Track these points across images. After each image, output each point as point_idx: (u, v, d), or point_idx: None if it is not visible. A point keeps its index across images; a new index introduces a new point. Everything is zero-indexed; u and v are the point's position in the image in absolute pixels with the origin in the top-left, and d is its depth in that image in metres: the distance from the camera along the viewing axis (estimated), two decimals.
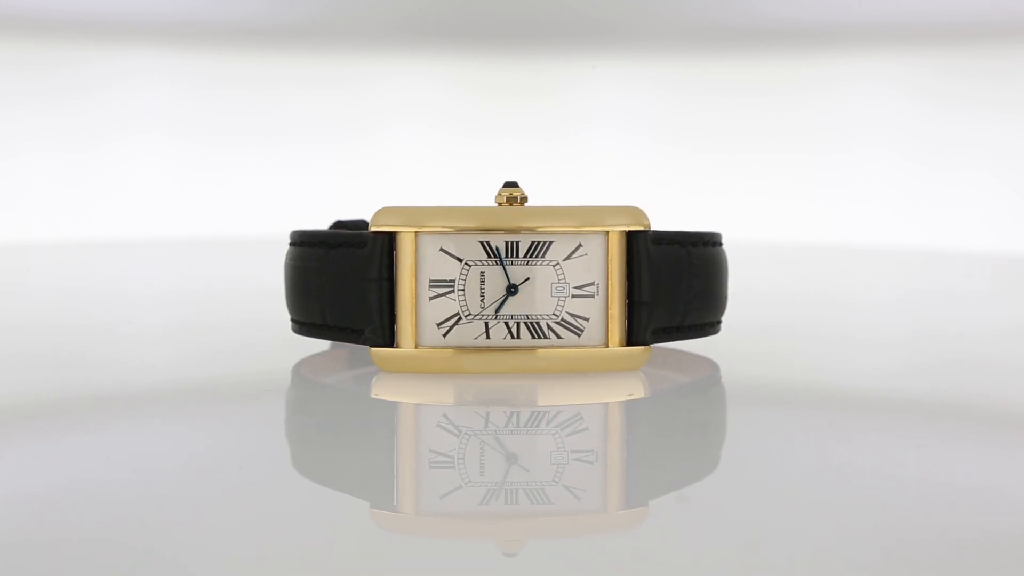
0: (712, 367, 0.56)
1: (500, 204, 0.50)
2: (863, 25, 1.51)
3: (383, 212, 0.49)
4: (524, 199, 0.50)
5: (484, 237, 0.49)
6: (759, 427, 0.48)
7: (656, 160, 1.54)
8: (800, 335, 0.71)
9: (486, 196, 0.54)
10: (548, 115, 1.55)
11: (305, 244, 0.52)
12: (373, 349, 0.50)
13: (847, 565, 0.32)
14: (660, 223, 0.53)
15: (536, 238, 0.49)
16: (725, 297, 0.54)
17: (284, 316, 0.56)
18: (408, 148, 1.54)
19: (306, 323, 0.53)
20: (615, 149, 1.55)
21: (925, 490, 0.39)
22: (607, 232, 0.49)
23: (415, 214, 0.49)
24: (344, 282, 0.50)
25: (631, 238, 0.49)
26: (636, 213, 0.49)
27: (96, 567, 0.31)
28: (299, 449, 0.44)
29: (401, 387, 0.50)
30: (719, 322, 0.54)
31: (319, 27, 1.55)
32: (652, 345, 0.51)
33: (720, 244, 0.53)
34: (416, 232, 0.49)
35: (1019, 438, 0.49)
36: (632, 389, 0.51)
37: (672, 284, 0.50)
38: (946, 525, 0.35)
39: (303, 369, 0.54)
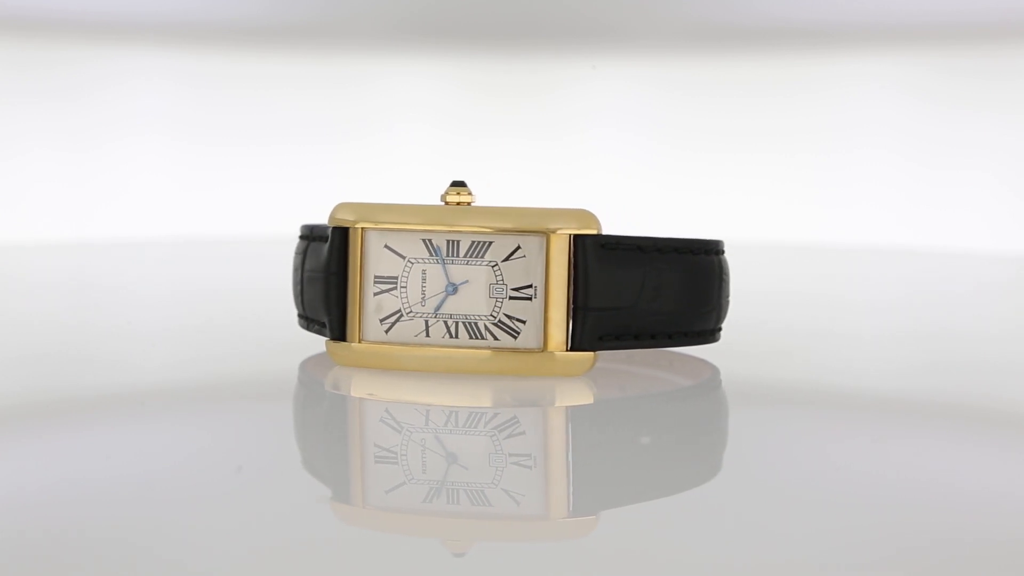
0: (712, 370, 0.55)
1: (446, 203, 0.50)
2: (863, 25, 1.51)
3: (339, 207, 0.50)
4: (471, 199, 0.50)
5: (426, 235, 0.49)
6: (758, 429, 0.48)
7: (656, 160, 1.54)
8: (800, 335, 0.71)
9: (485, 196, 0.54)
10: (548, 115, 1.55)
11: (300, 237, 0.54)
12: (327, 341, 0.51)
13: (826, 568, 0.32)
14: (668, 225, 0.53)
15: (476, 238, 0.49)
16: (716, 307, 0.52)
17: (285, 314, 0.56)
18: (408, 148, 1.54)
19: (298, 314, 0.55)
20: (615, 149, 1.55)
21: (924, 492, 0.39)
22: (547, 235, 0.48)
23: (364, 210, 0.50)
24: (312, 274, 0.51)
25: (575, 242, 0.48)
26: (582, 216, 0.49)
27: (92, 567, 0.31)
28: (271, 445, 0.44)
29: (401, 386, 0.50)
30: (712, 331, 0.53)
31: (319, 27, 1.55)
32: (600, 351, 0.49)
33: (712, 252, 0.52)
34: (363, 228, 0.49)
35: (1019, 438, 0.49)
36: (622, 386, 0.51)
37: (627, 291, 0.49)
38: (945, 527, 0.35)
39: (309, 366, 0.55)
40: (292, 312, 0.55)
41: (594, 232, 0.49)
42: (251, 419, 0.49)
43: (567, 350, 0.49)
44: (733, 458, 0.43)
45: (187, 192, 1.51)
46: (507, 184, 1.44)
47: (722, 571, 0.31)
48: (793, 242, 1.41)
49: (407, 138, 1.54)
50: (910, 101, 1.50)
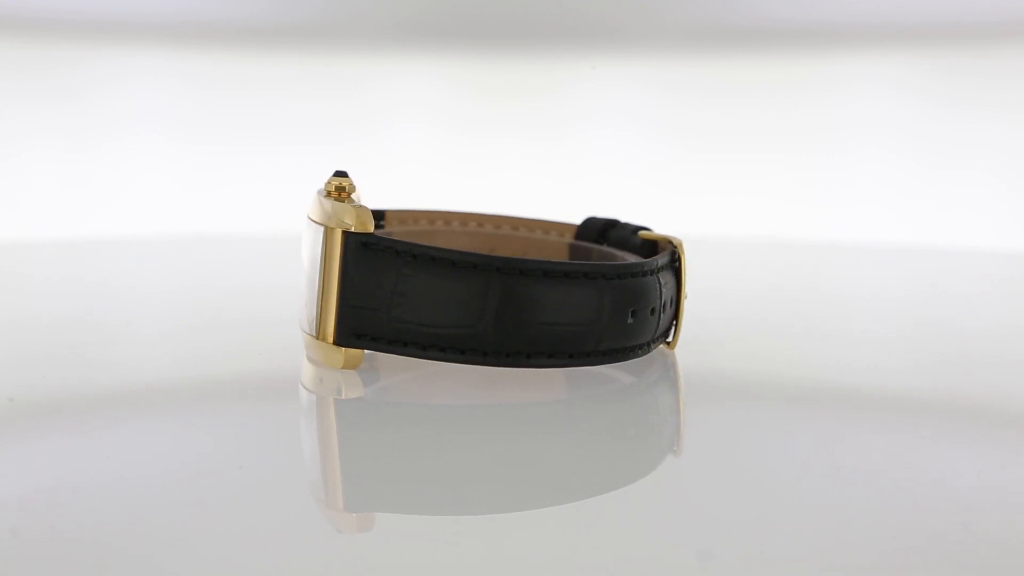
0: (664, 366, 0.55)
1: (328, 193, 0.52)
2: (863, 25, 1.51)
3: None
4: (351, 189, 0.52)
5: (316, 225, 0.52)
6: (714, 424, 0.48)
7: (656, 160, 1.54)
8: (798, 334, 0.71)
9: (487, 196, 0.55)
10: (548, 115, 1.55)
11: None
12: None
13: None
14: (667, 225, 0.52)
15: (321, 228, 0.51)
16: (478, 326, 0.49)
17: (287, 313, 0.57)
18: (408, 148, 1.54)
19: None
20: (615, 149, 1.55)
21: (922, 492, 0.39)
22: (326, 229, 0.50)
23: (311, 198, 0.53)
24: None
25: (345, 238, 0.49)
26: (353, 213, 0.50)
27: (91, 568, 0.31)
28: (270, 446, 0.44)
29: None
30: (503, 354, 0.50)
31: (319, 27, 1.55)
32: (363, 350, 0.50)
33: (498, 270, 0.49)
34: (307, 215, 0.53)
35: (1019, 437, 0.49)
36: None
37: (376, 292, 0.49)
38: (940, 527, 0.35)
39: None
40: (293, 311, 0.55)
41: (359, 231, 0.49)
42: (252, 419, 0.49)
43: (333, 343, 0.50)
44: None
45: (187, 192, 1.51)
46: (507, 184, 1.44)
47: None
48: (793, 241, 1.41)
49: (407, 138, 1.54)
50: (910, 101, 1.50)
